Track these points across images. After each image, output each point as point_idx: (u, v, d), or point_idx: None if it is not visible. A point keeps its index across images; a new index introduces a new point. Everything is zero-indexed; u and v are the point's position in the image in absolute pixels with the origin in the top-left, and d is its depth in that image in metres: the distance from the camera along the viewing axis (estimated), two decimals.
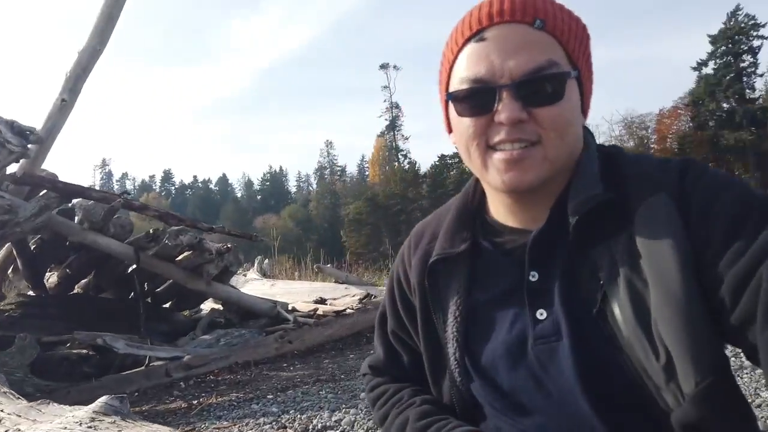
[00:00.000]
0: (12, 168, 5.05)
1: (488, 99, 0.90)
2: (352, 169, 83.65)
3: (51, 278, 6.22)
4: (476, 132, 0.93)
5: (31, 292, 6.12)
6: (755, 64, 37.02)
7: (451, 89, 0.96)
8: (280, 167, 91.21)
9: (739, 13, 37.16)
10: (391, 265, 1.77)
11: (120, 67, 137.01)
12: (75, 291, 6.29)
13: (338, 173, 78.16)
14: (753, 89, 37.61)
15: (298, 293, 6.86)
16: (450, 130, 1.03)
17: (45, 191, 5.20)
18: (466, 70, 0.93)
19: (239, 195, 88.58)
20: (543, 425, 0.91)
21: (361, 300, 5.19)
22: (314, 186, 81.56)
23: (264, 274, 9.79)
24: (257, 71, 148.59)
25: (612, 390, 0.85)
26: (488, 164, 0.94)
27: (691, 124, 38.86)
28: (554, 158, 0.91)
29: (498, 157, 0.92)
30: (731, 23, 37.24)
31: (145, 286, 6.01)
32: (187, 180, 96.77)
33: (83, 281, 6.27)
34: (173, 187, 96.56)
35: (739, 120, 35.32)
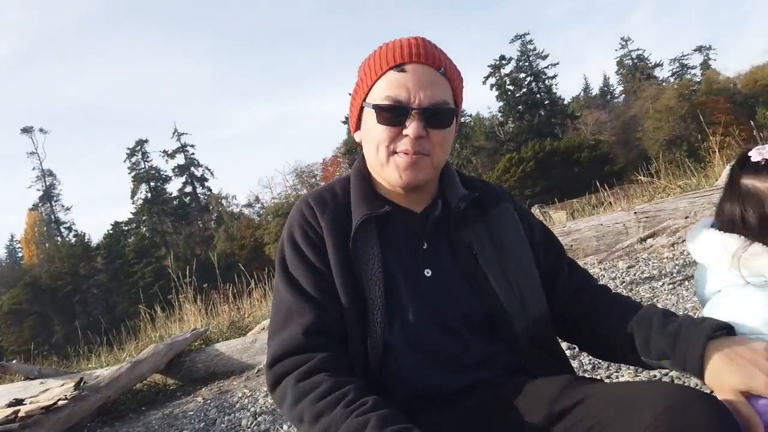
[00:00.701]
0: None
1: (402, 115, 1.23)
2: None
3: None
4: (388, 138, 1.24)
5: None
6: None
7: (372, 101, 1.26)
8: None
9: None
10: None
11: None
12: None
13: None
14: None
15: None
16: (356, 129, 1.37)
17: None
18: (388, 90, 1.24)
19: None
20: (438, 350, 1.22)
21: (75, 387, 4.50)
22: None
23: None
24: None
25: (484, 321, 1.25)
26: (390, 164, 1.26)
27: (349, 170, 44.52)
28: (437, 166, 1.31)
29: (400, 159, 1.25)
30: None
31: None
32: None
33: None
34: None
35: None
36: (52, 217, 52.01)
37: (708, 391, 1.02)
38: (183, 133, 52.22)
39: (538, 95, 49.04)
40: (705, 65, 53.24)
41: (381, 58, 1.28)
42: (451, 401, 1.20)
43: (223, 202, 53.73)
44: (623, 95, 56.03)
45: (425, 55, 1.27)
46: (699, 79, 50.79)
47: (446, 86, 1.29)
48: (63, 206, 52.25)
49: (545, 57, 49.16)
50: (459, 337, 1.23)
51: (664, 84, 50.09)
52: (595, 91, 61.48)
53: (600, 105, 53.83)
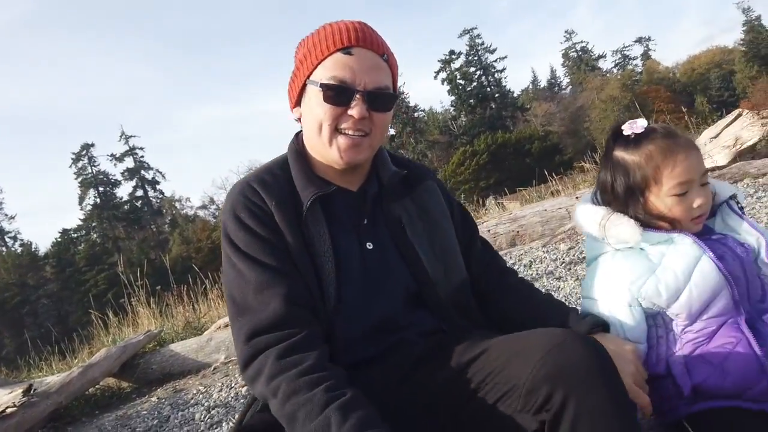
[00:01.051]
0: None
1: (348, 96, 1.29)
2: None
3: None
4: (333, 116, 1.30)
5: None
6: None
7: (319, 79, 1.30)
8: None
9: None
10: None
11: None
12: None
13: None
14: None
15: None
16: (296, 105, 1.41)
17: None
18: (334, 70, 1.29)
19: None
20: (377, 316, 1.32)
21: (24, 394, 4.42)
22: None
23: None
24: None
25: (413, 289, 1.37)
26: (333, 143, 1.32)
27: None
28: (375, 147, 1.39)
29: (343, 140, 1.31)
30: None
31: None
32: None
33: None
34: None
35: None
36: None
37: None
38: (131, 136, 50.90)
39: (489, 89, 49.84)
40: (645, 56, 55.27)
41: (327, 38, 1.32)
42: (377, 362, 1.30)
43: (177, 204, 52.60)
44: (570, 87, 57.61)
45: (371, 41, 1.33)
46: (640, 70, 52.63)
47: (388, 72, 1.36)
48: (6, 215, 49.95)
49: (493, 51, 50.00)
50: (394, 305, 1.34)
51: (607, 75, 51.83)
52: (543, 83, 62.95)
53: (548, 97, 55.18)
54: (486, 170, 39.10)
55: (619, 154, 1.40)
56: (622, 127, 1.42)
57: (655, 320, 1.38)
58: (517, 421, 1.11)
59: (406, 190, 1.47)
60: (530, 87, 61.35)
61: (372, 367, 1.30)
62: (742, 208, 1.44)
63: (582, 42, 55.56)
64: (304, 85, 1.36)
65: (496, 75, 49.89)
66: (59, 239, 42.92)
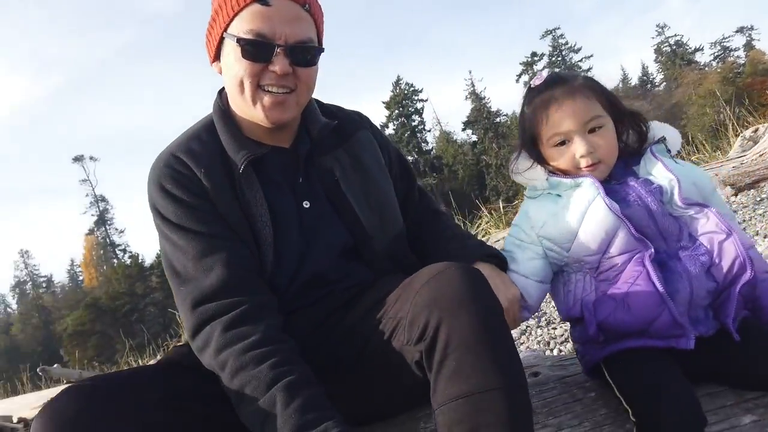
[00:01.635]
0: None
1: (268, 51, 1.20)
2: (61, 277, 71.74)
3: None
4: (253, 73, 1.22)
5: None
6: (422, 122, 45.17)
7: (233, 33, 1.22)
8: None
9: (401, 81, 45.01)
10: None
11: None
12: None
13: (43, 285, 66.65)
14: (426, 142, 45.74)
15: (22, 407, 5.90)
16: (215, 59, 1.31)
17: None
18: (251, 23, 1.20)
19: None
20: (315, 274, 1.30)
21: None
22: (14, 306, 67.62)
23: None
24: None
25: (349, 243, 1.35)
26: (257, 102, 1.24)
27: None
28: (302, 104, 1.32)
29: (267, 98, 1.23)
30: (397, 90, 44.77)
31: None
32: None
33: None
34: None
35: (423, 168, 42.40)
36: (107, 240, 54.09)
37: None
38: None
39: None
40: (748, 46, 51.19)
41: None
42: (300, 313, 1.30)
43: None
44: (664, 83, 54.45)
45: None
46: (743, 61, 48.89)
47: (311, 23, 1.27)
48: (117, 229, 54.27)
49: (578, 50, 48.34)
50: (327, 260, 1.32)
51: (706, 69, 48.46)
52: (634, 81, 59.98)
53: (640, 95, 52.44)
54: None
55: (525, 105, 1.45)
56: (531, 80, 1.46)
57: (570, 265, 1.41)
58: (404, 354, 1.11)
59: (338, 142, 1.41)
60: (620, 85, 58.63)
61: (294, 316, 1.27)
62: (669, 151, 1.43)
63: (676, 35, 52.40)
64: (222, 38, 1.27)
65: None
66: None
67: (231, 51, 1.24)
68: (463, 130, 46.89)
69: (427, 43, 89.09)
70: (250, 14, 1.21)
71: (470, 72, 46.45)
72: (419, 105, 45.23)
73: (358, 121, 1.50)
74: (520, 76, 48.30)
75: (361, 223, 1.35)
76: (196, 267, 1.19)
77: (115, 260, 51.70)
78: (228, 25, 1.24)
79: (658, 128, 1.47)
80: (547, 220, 1.40)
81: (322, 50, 1.31)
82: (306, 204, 1.33)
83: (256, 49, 1.21)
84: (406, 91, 44.96)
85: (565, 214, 1.38)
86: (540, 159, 1.44)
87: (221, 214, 1.24)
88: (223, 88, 1.37)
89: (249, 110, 1.28)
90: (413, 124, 44.93)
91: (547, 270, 1.43)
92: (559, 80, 1.40)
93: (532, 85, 1.44)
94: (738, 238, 1.30)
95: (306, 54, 1.25)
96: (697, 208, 1.33)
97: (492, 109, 47.13)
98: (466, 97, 46.19)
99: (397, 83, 45.14)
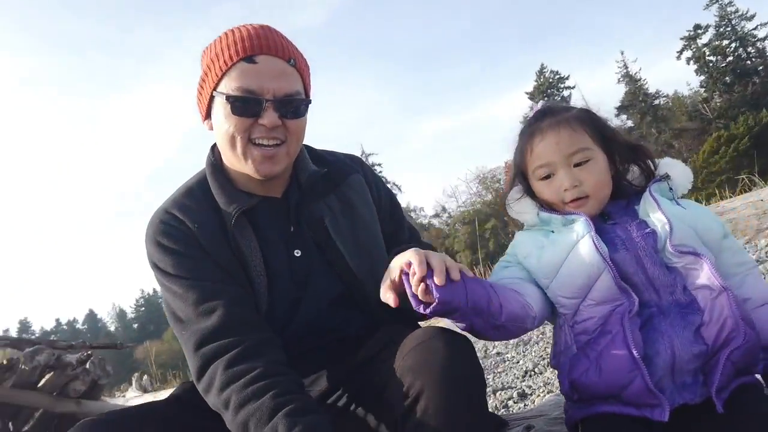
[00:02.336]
0: None
1: (256, 106, 1.26)
2: None
3: None
4: (243, 128, 1.27)
5: None
6: None
7: (222, 91, 1.28)
8: (154, 290, 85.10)
9: (545, 70, 43.09)
10: None
11: None
12: None
13: None
14: None
15: None
16: (206, 117, 1.37)
17: None
18: (239, 80, 1.25)
19: (112, 329, 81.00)
20: (308, 322, 1.35)
21: None
22: None
23: (144, 390, 9.34)
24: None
25: (341, 291, 1.37)
26: (248, 156, 1.29)
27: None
28: (293, 153, 1.36)
29: (257, 153, 1.28)
30: (541, 80, 42.96)
31: (10, 426, 5.60)
32: (49, 325, 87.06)
33: None
34: (33, 337, 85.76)
35: None
36: None
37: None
38: (370, 154, 55.69)
39: (748, 61, 42.34)
40: None
41: (230, 48, 1.28)
42: (309, 359, 1.37)
43: (412, 214, 55.86)
44: None
45: (275, 47, 1.29)
46: None
47: (296, 77, 1.33)
48: None
49: (751, 17, 42.36)
50: (322, 309, 1.36)
51: None
52: None
53: None
54: (747, 157, 33.30)
55: (519, 136, 1.40)
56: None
57: (557, 313, 1.31)
58: (384, 414, 1.15)
59: (328, 188, 1.43)
60: None
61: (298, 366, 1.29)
62: (671, 190, 1.31)
63: None
64: (212, 97, 1.33)
65: (757, 45, 42.26)
66: None
67: (221, 108, 1.30)
68: (617, 116, 43.53)
69: (571, 28, 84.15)
70: (238, 72, 1.27)
71: (622, 53, 42.56)
72: (565, 93, 42.95)
73: (349, 165, 1.52)
74: (680, 52, 43.72)
75: (351, 270, 1.37)
76: (196, 312, 1.24)
77: None
78: (217, 84, 1.30)
79: (667, 165, 1.36)
80: (531, 252, 1.34)
81: (309, 102, 1.36)
82: (297, 252, 1.37)
83: (245, 105, 1.26)
84: (551, 80, 43.00)
85: (552, 248, 1.31)
86: (530, 193, 1.39)
87: (217, 262, 1.29)
88: (215, 144, 1.42)
89: (240, 165, 1.32)
90: None
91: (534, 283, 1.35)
92: (549, 112, 1.36)
93: (526, 117, 1.43)
94: (732, 295, 1.17)
95: (293, 106, 1.30)
96: (691, 257, 1.20)
97: (649, 91, 43.21)
98: (619, 81, 42.94)
99: (540, 72, 43.35)
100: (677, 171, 1.34)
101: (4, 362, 5.12)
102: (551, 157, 1.29)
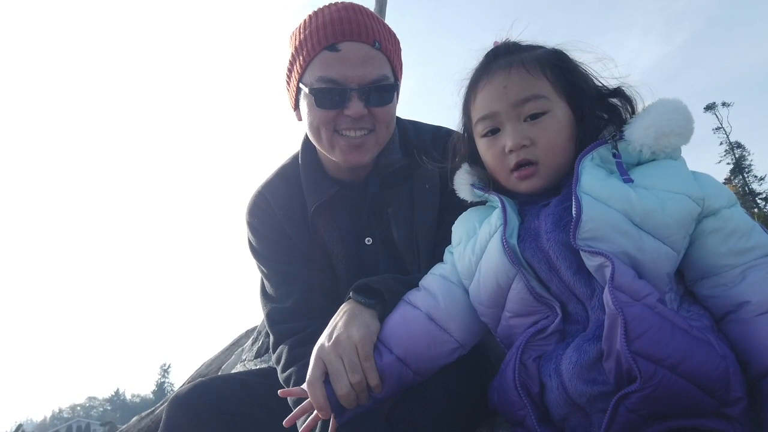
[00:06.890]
0: None
1: (341, 97, 1.24)
2: None
3: None
4: (328, 120, 1.27)
5: None
6: None
7: (307, 83, 1.27)
8: None
9: None
10: None
11: None
12: None
13: None
14: None
15: None
16: (296, 108, 1.39)
17: None
18: (322, 71, 1.24)
19: None
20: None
21: None
22: None
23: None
24: None
25: (398, 271, 1.38)
26: (335, 146, 1.30)
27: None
28: (382, 142, 1.35)
29: (343, 143, 1.27)
30: None
31: None
32: None
33: None
34: None
35: None
36: (746, 189, 45.71)
37: None
38: None
39: None
40: None
41: (313, 36, 1.27)
42: None
43: None
44: None
45: (359, 32, 1.26)
46: None
47: (382, 60, 1.29)
48: (756, 176, 46.76)
49: None
50: None
51: None
52: None
53: None
54: None
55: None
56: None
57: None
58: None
59: (403, 177, 1.41)
60: None
61: None
62: (616, 155, 1.02)
63: None
64: (299, 88, 1.34)
65: None
66: None
67: (307, 101, 1.31)
68: None
69: None
70: (321, 62, 1.27)
71: None
72: None
73: (430, 152, 1.35)
74: None
75: (404, 262, 1.42)
76: (278, 292, 1.39)
77: (755, 209, 38.01)
78: (302, 75, 1.31)
79: (648, 112, 1.03)
80: (461, 240, 1.15)
81: (398, 86, 1.31)
82: (368, 241, 1.45)
83: (329, 96, 1.25)
84: None
85: (475, 240, 1.09)
86: (474, 156, 1.15)
87: (299, 246, 1.41)
88: None
89: (329, 154, 1.37)
90: None
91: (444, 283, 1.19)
92: (506, 50, 1.09)
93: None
94: (625, 322, 0.85)
95: (380, 93, 1.27)
96: (601, 259, 0.91)
97: None
98: None
99: None
100: (643, 123, 1.00)
101: None
102: (495, 106, 1.02)
